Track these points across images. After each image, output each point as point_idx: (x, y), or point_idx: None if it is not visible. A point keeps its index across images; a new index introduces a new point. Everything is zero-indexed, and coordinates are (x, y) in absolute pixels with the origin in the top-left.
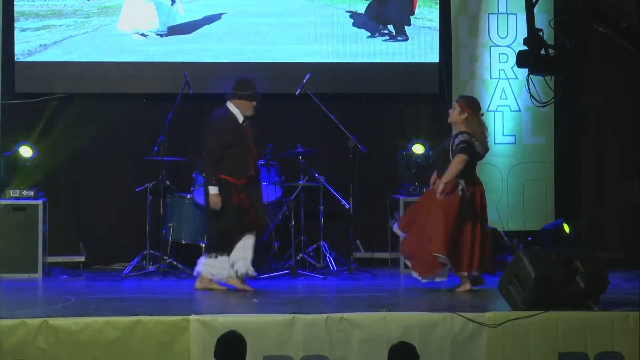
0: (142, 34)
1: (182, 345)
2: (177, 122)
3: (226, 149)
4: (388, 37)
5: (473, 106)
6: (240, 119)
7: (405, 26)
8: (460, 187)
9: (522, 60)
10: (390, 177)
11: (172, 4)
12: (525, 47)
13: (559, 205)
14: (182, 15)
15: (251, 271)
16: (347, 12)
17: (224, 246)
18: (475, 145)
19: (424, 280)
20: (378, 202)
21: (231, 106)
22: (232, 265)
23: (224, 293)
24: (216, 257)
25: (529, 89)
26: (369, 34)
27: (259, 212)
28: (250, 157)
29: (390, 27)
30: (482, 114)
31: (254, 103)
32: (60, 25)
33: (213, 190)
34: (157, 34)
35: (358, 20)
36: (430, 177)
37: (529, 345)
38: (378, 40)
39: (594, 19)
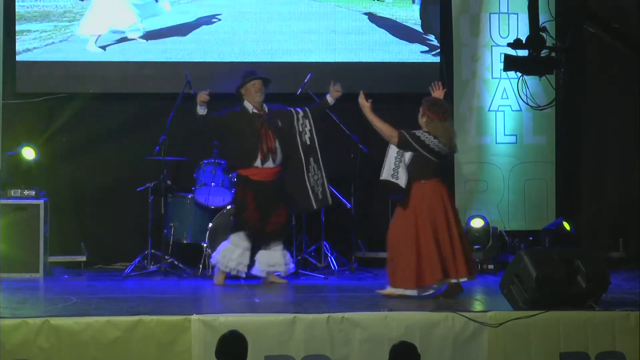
0: (123, 38)
1: (183, 345)
2: (178, 121)
3: (232, 137)
4: (428, 49)
5: (434, 109)
6: (251, 109)
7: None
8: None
9: (508, 63)
10: None
11: (157, 0)
12: (511, 50)
13: (559, 205)
14: (182, 15)
15: (238, 271)
16: (349, 11)
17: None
18: (431, 142)
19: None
20: (379, 202)
21: (245, 100)
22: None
23: (225, 293)
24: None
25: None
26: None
27: (262, 216)
28: (258, 148)
29: (432, 36)
30: (445, 118)
31: (254, 84)
32: (59, 25)
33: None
34: (141, 37)
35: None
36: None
37: (530, 345)
38: (379, 40)
39: (584, 19)
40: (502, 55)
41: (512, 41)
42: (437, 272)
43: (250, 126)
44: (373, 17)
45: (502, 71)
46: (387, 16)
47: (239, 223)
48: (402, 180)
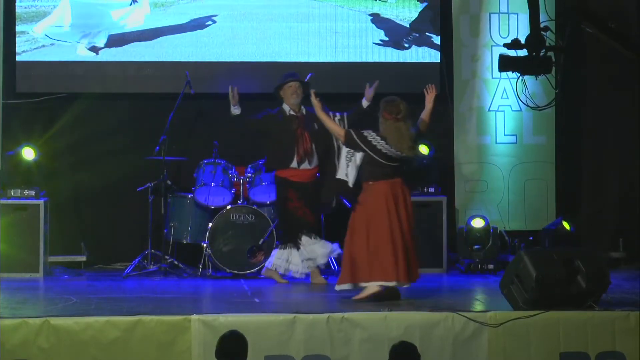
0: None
1: (183, 345)
2: (179, 121)
3: (269, 138)
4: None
5: (387, 109)
6: (288, 110)
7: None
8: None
9: (504, 64)
10: None
11: (132, 3)
12: (506, 51)
13: (559, 205)
14: (182, 15)
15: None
16: (349, 11)
17: (283, 239)
18: (378, 143)
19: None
20: None
21: (283, 102)
22: (303, 261)
23: (225, 292)
24: (283, 248)
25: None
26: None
27: (307, 211)
28: (294, 149)
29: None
30: (399, 119)
31: (291, 86)
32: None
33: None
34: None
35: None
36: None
37: (530, 345)
38: (381, 37)
39: (581, 19)
40: (497, 57)
41: (509, 42)
42: (390, 272)
43: (286, 128)
44: (376, 18)
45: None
46: (390, 17)
47: (284, 220)
48: (350, 180)
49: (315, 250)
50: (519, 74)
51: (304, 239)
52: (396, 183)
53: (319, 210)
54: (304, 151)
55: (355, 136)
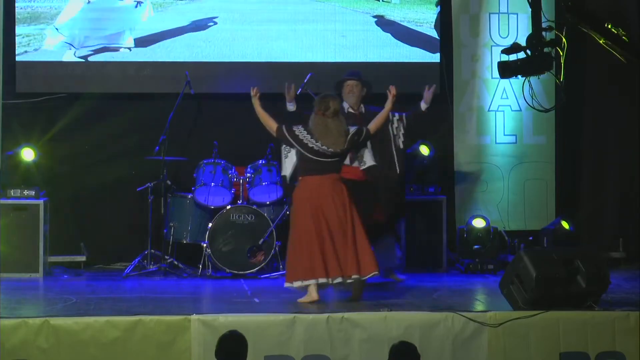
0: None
1: (183, 345)
2: (178, 121)
3: None
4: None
5: (318, 105)
6: (346, 108)
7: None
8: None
9: (504, 70)
10: None
11: (136, 6)
12: (504, 57)
13: (559, 205)
14: (182, 16)
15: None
16: (350, 11)
17: None
18: (305, 138)
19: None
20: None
21: (344, 99)
22: None
23: (225, 292)
24: None
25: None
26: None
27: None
28: None
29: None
30: (329, 115)
31: (348, 84)
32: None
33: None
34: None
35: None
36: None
37: (530, 345)
38: (379, 40)
39: (577, 19)
40: (497, 64)
41: (506, 47)
42: (318, 270)
43: None
44: (380, 20)
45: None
46: (393, 18)
47: None
48: (288, 175)
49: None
50: (523, 77)
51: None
52: (328, 179)
53: (374, 208)
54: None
55: (285, 131)
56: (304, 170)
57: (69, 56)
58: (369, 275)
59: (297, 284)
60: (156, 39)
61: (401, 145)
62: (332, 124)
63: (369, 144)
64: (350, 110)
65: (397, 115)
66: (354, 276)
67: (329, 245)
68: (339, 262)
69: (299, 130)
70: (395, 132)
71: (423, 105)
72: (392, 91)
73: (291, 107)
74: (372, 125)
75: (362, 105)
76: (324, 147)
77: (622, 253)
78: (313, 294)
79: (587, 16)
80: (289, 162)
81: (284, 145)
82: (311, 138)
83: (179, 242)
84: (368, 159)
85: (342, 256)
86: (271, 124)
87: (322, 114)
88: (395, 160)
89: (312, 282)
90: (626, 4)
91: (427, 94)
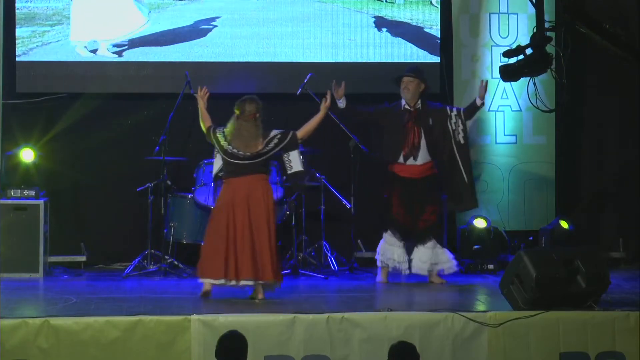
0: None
1: (183, 345)
2: (178, 121)
3: (380, 132)
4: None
5: (235, 107)
6: (403, 104)
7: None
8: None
9: (506, 74)
10: None
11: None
12: (505, 60)
13: (559, 205)
14: (182, 16)
15: (398, 269)
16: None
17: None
18: (221, 139)
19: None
20: (379, 201)
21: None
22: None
23: (225, 292)
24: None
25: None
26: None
27: (410, 213)
28: (401, 144)
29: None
30: (243, 118)
31: (403, 81)
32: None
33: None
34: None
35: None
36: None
37: (530, 345)
38: (379, 40)
39: (575, 20)
40: (498, 69)
41: (507, 50)
42: (217, 270)
43: (397, 122)
44: (377, 19)
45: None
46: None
47: (387, 221)
48: (213, 173)
49: (432, 258)
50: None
51: (387, 237)
52: (245, 181)
53: (417, 211)
54: (411, 146)
55: (211, 133)
56: (225, 171)
57: (70, 56)
58: (264, 281)
59: (201, 280)
60: (156, 39)
61: (461, 141)
62: (245, 127)
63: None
64: (407, 106)
65: (454, 110)
66: (250, 280)
67: (232, 247)
68: (236, 264)
69: (219, 131)
70: (454, 128)
71: (478, 101)
72: (327, 100)
73: (341, 104)
74: (301, 130)
75: (419, 102)
76: (234, 149)
77: (622, 253)
78: (206, 288)
79: (585, 16)
80: (216, 162)
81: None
82: (225, 141)
83: (179, 242)
84: (296, 164)
85: (241, 259)
86: (205, 125)
87: (236, 116)
88: (457, 157)
89: (209, 281)
90: (626, 4)
91: (481, 89)
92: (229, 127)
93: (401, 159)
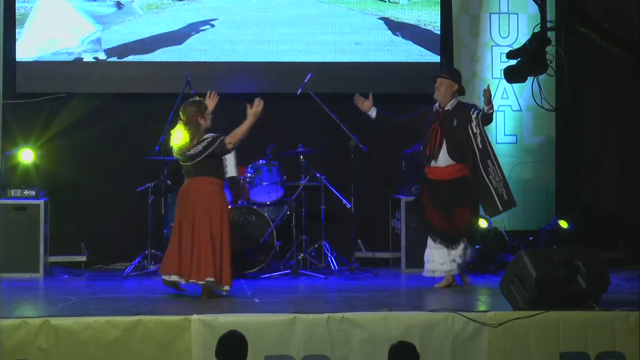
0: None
1: (183, 345)
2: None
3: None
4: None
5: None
6: (436, 106)
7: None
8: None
9: (511, 75)
10: (391, 176)
11: (118, 9)
12: (510, 62)
13: (559, 205)
14: (183, 19)
15: (429, 272)
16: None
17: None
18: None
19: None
20: (379, 201)
21: None
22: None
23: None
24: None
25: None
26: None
27: (442, 214)
28: (426, 147)
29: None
30: (184, 120)
31: (436, 81)
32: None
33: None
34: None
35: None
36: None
37: (530, 345)
38: (380, 37)
39: (575, 20)
40: (501, 72)
41: (509, 51)
42: (171, 266)
43: (427, 124)
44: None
45: (502, 71)
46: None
47: (424, 225)
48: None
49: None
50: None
51: (429, 241)
52: (191, 182)
53: (456, 210)
54: (432, 148)
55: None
56: (183, 172)
57: (70, 56)
58: (202, 282)
59: (164, 277)
60: (156, 39)
61: (480, 145)
62: (185, 129)
63: (233, 153)
64: (438, 108)
65: (475, 112)
66: (191, 280)
67: (176, 245)
68: (180, 263)
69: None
70: (474, 131)
71: (486, 108)
72: (254, 107)
73: (372, 115)
74: (230, 136)
75: (450, 103)
76: (175, 153)
77: (622, 253)
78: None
79: (585, 16)
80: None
81: None
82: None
83: None
84: (230, 169)
85: (184, 258)
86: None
87: (181, 119)
88: (479, 161)
89: (166, 277)
90: (626, 4)
91: (485, 95)
92: (172, 131)
93: (426, 161)
